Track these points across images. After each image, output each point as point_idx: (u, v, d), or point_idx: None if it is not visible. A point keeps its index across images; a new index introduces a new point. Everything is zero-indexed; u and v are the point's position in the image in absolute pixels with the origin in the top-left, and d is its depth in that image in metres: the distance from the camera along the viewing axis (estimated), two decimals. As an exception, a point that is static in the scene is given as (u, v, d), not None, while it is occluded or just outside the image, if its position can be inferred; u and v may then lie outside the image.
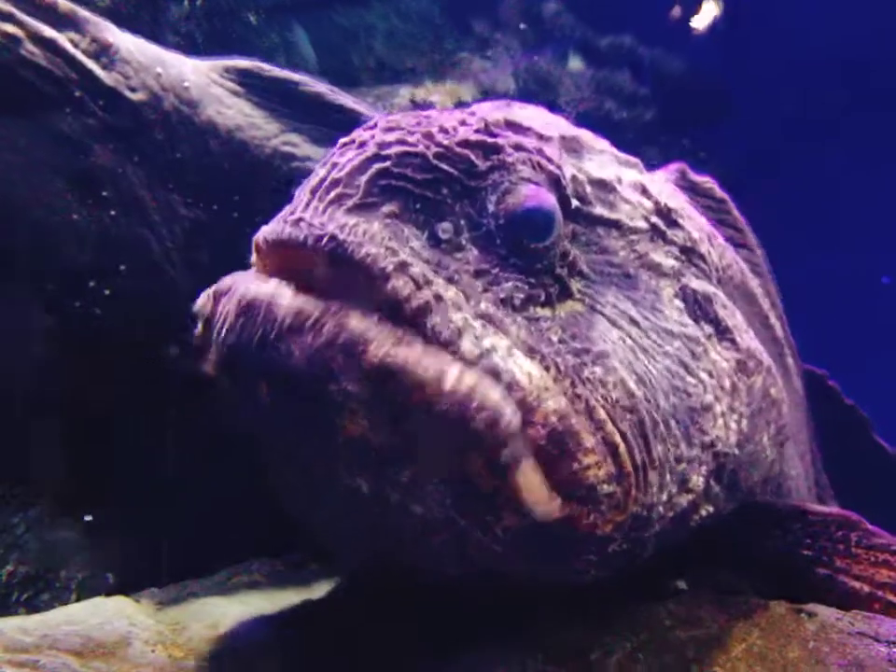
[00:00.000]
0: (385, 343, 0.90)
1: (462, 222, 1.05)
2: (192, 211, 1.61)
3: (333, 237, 0.96)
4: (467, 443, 0.92)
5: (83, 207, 1.48)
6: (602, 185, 1.22)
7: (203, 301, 1.08)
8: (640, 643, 1.15)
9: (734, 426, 1.23)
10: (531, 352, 1.00)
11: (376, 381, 0.89)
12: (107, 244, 1.52)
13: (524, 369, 0.97)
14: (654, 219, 1.27)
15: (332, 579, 1.45)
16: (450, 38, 5.07)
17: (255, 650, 1.18)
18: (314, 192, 1.04)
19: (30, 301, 1.48)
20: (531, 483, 0.94)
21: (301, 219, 1.00)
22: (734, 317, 1.32)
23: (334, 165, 1.06)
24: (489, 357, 0.95)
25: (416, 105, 3.62)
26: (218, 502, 1.56)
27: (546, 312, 1.06)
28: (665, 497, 1.11)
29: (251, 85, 1.68)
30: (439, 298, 0.96)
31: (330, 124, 1.74)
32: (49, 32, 1.43)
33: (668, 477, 1.11)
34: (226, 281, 1.05)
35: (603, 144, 1.33)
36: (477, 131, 1.09)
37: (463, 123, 1.10)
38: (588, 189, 1.19)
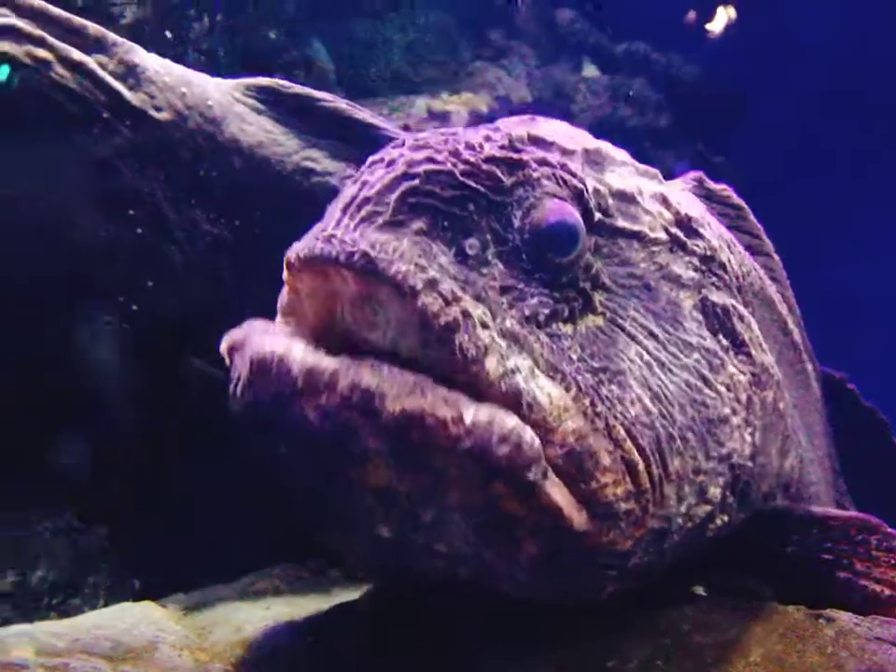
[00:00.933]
0: (400, 395, 0.90)
1: (488, 237, 1.06)
2: (215, 227, 1.64)
3: (365, 254, 0.97)
4: (491, 473, 0.93)
5: (111, 225, 1.52)
6: (623, 196, 1.23)
7: (224, 346, 1.08)
8: (658, 649, 1.15)
9: (748, 438, 1.23)
10: (553, 371, 1.01)
11: (396, 433, 0.90)
12: (134, 260, 1.56)
13: (545, 390, 0.98)
14: (674, 230, 1.28)
15: (352, 585, 1.47)
16: (466, 49, 5.11)
17: (277, 655, 1.20)
18: (345, 210, 1.06)
19: (64, 317, 1.52)
20: (559, 495, 0.96)
21: (332, 236, 1.01)
22: (750, 330, 1.33)
23: (364, 184, 1.08)
24: (512, 378, 0.96)
25: (433, 116, 3.65)
26: (241, 510, 1.59)
27: (568, 328, 1.08)
28: (683, 509, 1.12)
29: (272, 102, 1.71)
30: (466, 315, 0.97)
31: (349, 139, 1.77)
32: (78, 55, 1.47)
33: (686, 489, 1.12)
34: (239, 332, 1.05)
35: (624, 155, 1.34)
36: (502, 147, 1.11)
37: (488, 140, 1.12)
38: (610, 201, 1.20)
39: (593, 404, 1.02)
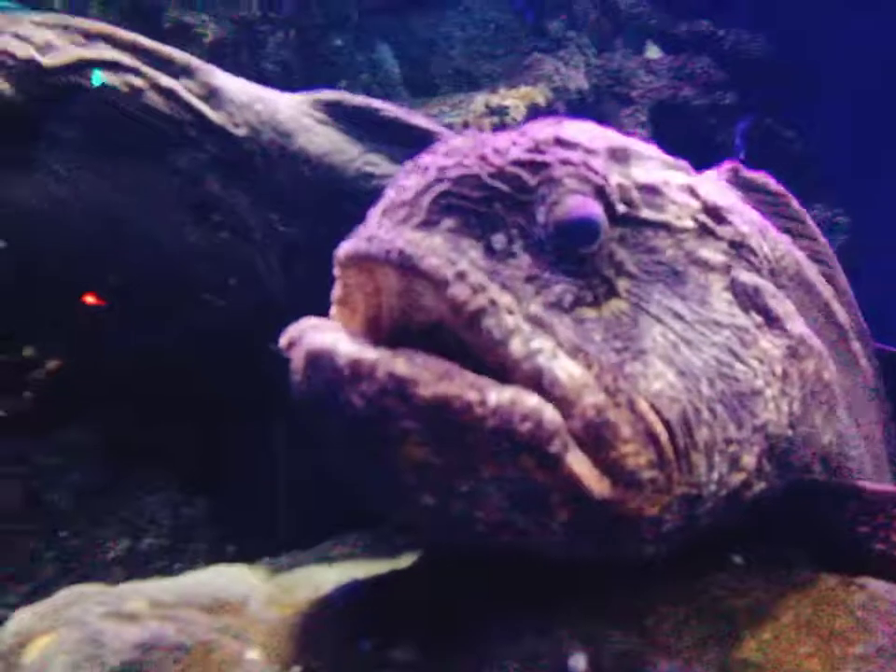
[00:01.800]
0: (430, 381, 0.98)
1: (514, 232, 1.12)
2: (288, 229, 1.77)
3: (401, 251, 1.05)
4: (517, 447, 1.00)
5: (199, 230, 1.67)
6: (649, 189, 1.25)
7: (284, 340, 1.16)
8: (693, 611, 1.19)
9: (785, 408, 1.25)
10: (575, 351, 1.06)
11: (428, 414, 0.98)
12: (219, 261, 1.70)
13: (566, 368, 1.04)
14: (702, 218, 1.30)
15: (415, 551, 1.56)
16: (524, 41, 5.11)
17: (348, 608, 1.30)
18: (384, 213, 1.15)
19: (161, 313, 1.67)
20: (580, 465, 1.02)
21: (374, 236, 1.10)
22: (784, 306, 1.34)
23: (401, 188, 1.16)
24: (535, 358, 1.02)
25: (491, 111, 3.70)
26: (319, 483, 1.72)
27: (592, 312, 1.12)
28: (715, 476, 1.15)
29: (336, 114, 1.83)
30: (493, 302, 1.04)
31: (406, 143, 1.87)
32: (167, 81, 1.62)
33: (717, 458, 1.15)
34: (295, 327, 1.14)
35: (651, 150, 1.36)
36: (527, 150, 1.16)
37: (514, 144, 1.17)
38: (635, 193, 1.23)
39: (615, 380, 1.06)
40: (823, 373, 1.35)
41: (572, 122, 1.34)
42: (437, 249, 1.06)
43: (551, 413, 1.00)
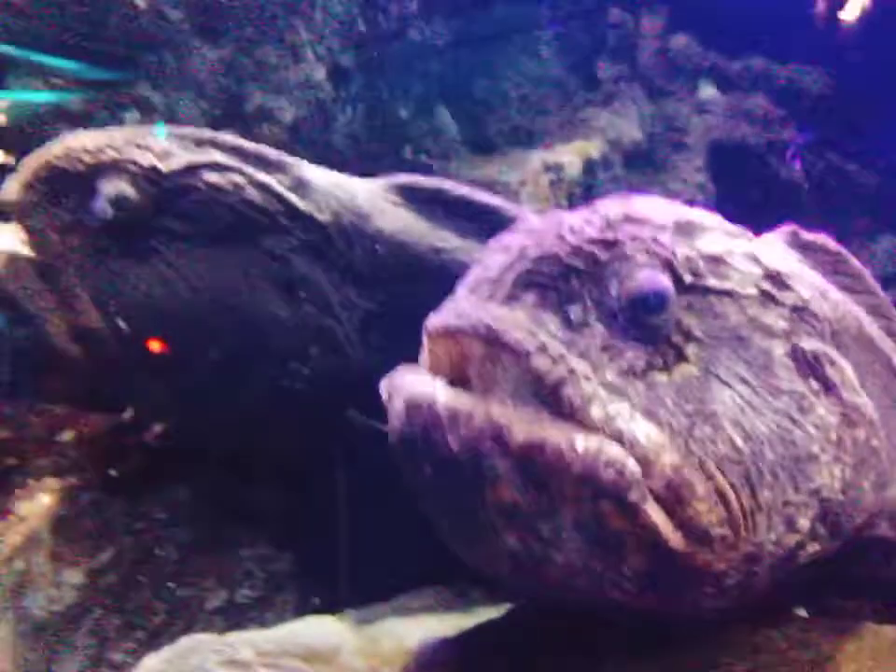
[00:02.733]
0: (523, 426, 1.07)
1: (589, 304, 1.20)
2: (364, 302, 1.93)
3: (488, 326, 1.14)
4: (598, 493, 1.07)
5: (287, 306, 1.84)
6: (713, 259, 1.32)
7: (384, 387, 1.26)
8: (757, 663, 1.24)
9: (838, 474, 1.29)
10: (649, 415, 1.13)
11: (519, 457, 1.07)
12: (304, 333, 1.87)
13: (643, 430, 1.11)
14: (764, 285, 1.35)
15: (490, 603, 1.66)
16: (578, 95, 5.25)
17: (434, 663, 1.41)
18: (471, 289, 1.24)
19: (254, 381, 1.84)
20: (658, 515, 1.09)
21: (462, 312, 1.19)
22: (842, 374, 1.38)
23: (486, 267, 1.26)
24: (614, 421, 1.10)
25: (548, 168, 3.84)
26: (397, 540, 1.83)
27: (663, 377, 1.19)
28: (773, 537, 1.20)
29: (409, 196, 1.99)
30: (572, 371, 1.12)
31: (472, 218, 2.02)
32: (263, 177, 1.82)
33: (776, 519, 1.20)
34: (395, 378, 1.23)
35: (715, 221, 1.43)
36: (600, 228, 1.25)
37: (588, 223, 1.27)
38: (701, 264, 1.29)
39: (686, 442, 1.13)
40: (872, 441, 1.38)
41: (641, 198, 1.41)
42: (520, 323, 1.15)
43: (633, 464, 1.08)
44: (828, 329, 1.43)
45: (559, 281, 1.21)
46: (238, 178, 1.80)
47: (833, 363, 1.37)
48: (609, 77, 5.56)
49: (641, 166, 5.10)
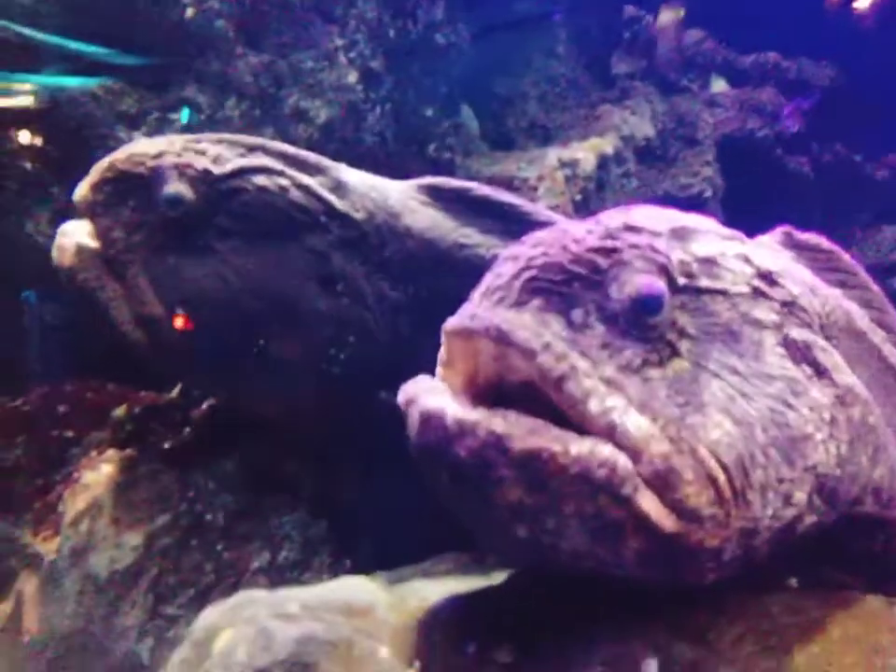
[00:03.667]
0: (523, 437, 1.16)
1: (591, 307, 1.28)
2: (395, 294, 2.03)
3: (498, 327, 1.23)
4: (595, 490, 1.16)
5: (326, 298, 1.95)
6: (706, 261, 1.39)
7: (401, 397, 1.36)
8: (751, 626, 1.32)
9: (833, 450, 1.36)
10: (643, 407, 1.22)
11: (521, 463, 1.16)
12: (341, 323, 1.97)
13: (636, 422, 1.20)
14: (756, 282, 1.42)
15: (504, 569, 1.71)
16: (593, 92, 5.29)
17: (452, 616, 1.47)
18: (483, 295, 1.34)
19: (297, 367, 1.95)
20: (649, 503, 1.18)
21: (475, 315, 1.28)
22: (832, 359, 1.45)
23: (497, 274, 1.35)
24: (609, 414, 1.19)
25: (563, 164, 3.91)
26: (422, 510, 1.94)
27: (657, 372, 1.27)
28: (770, 511, 1.28)
29: (436, 195, 2.09)
30: (573, 368, 1.20)
31: (494, 216, 2.11)
32: (305, 179, 1.94)
33: (771, 495, 1.28)
34: (411, 389, 1.33)
35: (709, 225, 1.51)
36: (600, 237, 1.33)
37: (590, 232, 1.35)
38: (695, 266, 1.37)
39: (678, 431, 1.21)
40: (868, 418, 1.45)
41: (640, 208, 1.49)
42: (526, 325, 1.23)
43: (623, 461, 1.17)
44: (817, 322, 1.50)
45: (563, 286, 1.29)
46: (283, 181, 1.90)
47: (823, 349, 1.44)
48: (624, 73, 5.58)
49: (653, 161, 5.14)
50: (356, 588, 1.64)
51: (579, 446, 1.17)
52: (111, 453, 2.04)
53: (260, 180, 1.90)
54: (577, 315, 1.28)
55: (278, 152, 1.95)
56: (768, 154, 6.22)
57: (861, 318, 1.81)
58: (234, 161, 1.90)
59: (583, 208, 3.97)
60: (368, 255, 1.99)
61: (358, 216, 1.98)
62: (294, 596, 1.47)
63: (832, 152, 6.54)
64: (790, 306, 1.44)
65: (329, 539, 2.04)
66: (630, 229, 1.36)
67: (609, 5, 5.67)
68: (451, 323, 1.32)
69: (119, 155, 1.91)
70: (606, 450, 1.17)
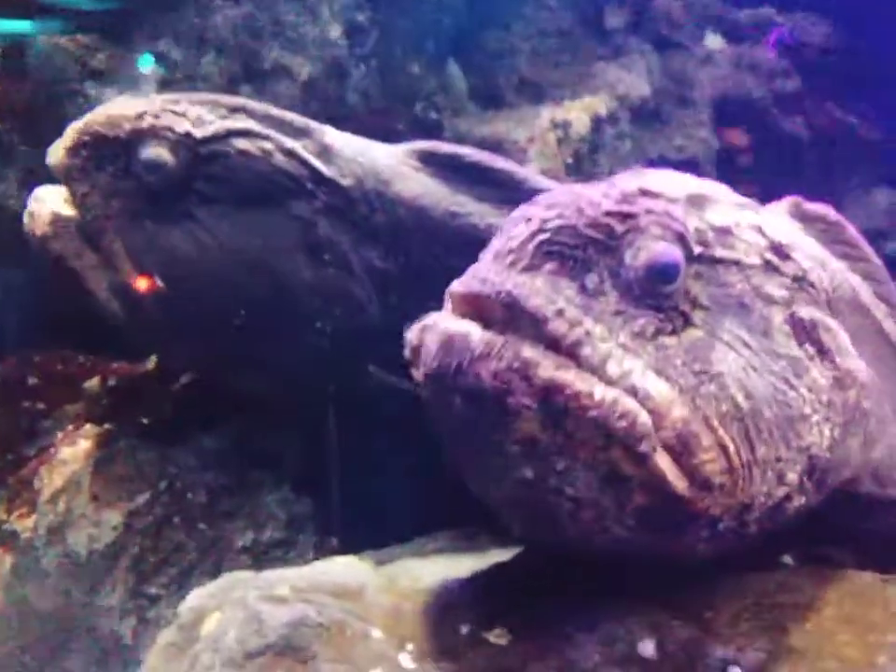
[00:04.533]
0: (549, 367, 1.17)
1: (605, 273, 1.28)
2: (384, 264, 2.01)
3: (509, 292, 1.23)
4: (611, 439, 1.18)
5: (312, 268, 1.93)
6: (722, 230, 1.40)
7: (413, 334, 1.34)
8: (746, 605, 1.36)
9: (827, 433, 1.39)
10: (660, 373, 1.24)
11: (543, 395, 1.16)
12: (328, 294, 1.96)
13: (655, 386, 1.22)
14: (768, 255, 1.43)
15: (499, 547, 1.76)
16: (587, 49, 5.21)
17: (447, 598, 1.49)
18: (495, 257, 1.32)
19: (281, 338, 1.93)
20: (666, 464, 1.20)
21: (486, 278, 1.27)
22: (836, 340, 1.47)
23: (509, 236, 1.33)
24: (628, 377, 1.20)
25: (556, 125, 3.87)
26: (413, 485, 1.96)
27: (672, 340, 1.28)
28: (765, 489, 1.31)
29: (427, 161, 2.05)
30: (588, 333, 1.21)
31: (488, 183, 2.08)
32: (290, 143, 1.90)
33: (769, 473, 1.31)
34: (429, 319, 1.31)
35: (724, 192, 1.52)
36: (616, 201, 1.33)
37: (605, 196, 1.34)
38: (710, 235, 1.38)
39: (693, 399, 1.23)
40: (863, 402, 1.48)
41: (655, 172, 1.50)
42: (539, 290, 1.23)
43: (645, 417, 1.18)
44: (824, 298, 1.52)
45: (577, 251, 1.29)
46: (267, 144, 1.87)
47: (828, 329, 1.47)
48: (618, 27, 5.50)
49: (648, 121, 5.10)
50: (345, 568, 1.66)
51: (604, 392, 1.18)
52: (88, 428, 2.03)
53: (243, 144, 1.86)
54: (591, 280, 1.28)
55: (262, 114, 1.91)
56: (764, 115, 6.21)
57: (865, 293, 1.84)
58: (216, 124, 1.87)
59: (576, 171, 3.95)
60: (356, 223, 1.97)
61: (346, 182, 1.95)
62: (283, 578, 1.49)
63: (826, 114, 6.55)
64: (799, 281, 1.46)
65: (314, 517, 2.06)
66: (647, 193, 1.36)
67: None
68: (458, 285, 1.30)
69: (96, 116, 1.86)
70: (630, 402, 1.19)
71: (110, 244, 1.82)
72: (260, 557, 1.96)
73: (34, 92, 2.49)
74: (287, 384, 2.02)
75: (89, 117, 1.88)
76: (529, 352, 1.18)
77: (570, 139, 3.95)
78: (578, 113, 4.07)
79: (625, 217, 1.31)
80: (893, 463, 1.67)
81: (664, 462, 1.21)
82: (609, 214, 1.31)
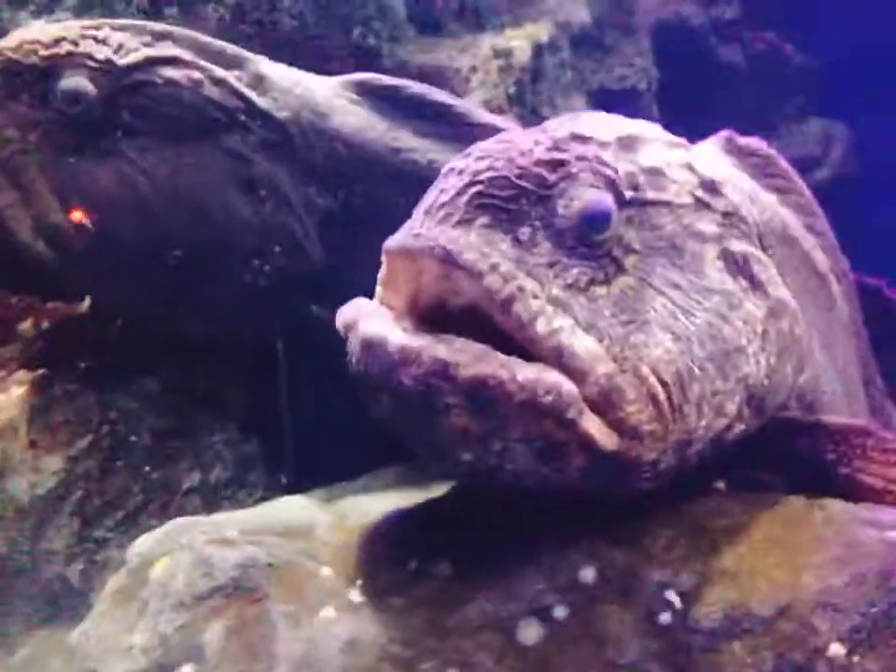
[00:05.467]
0: (469, 364, 1.16)
1: (538, 224, 1.28)
2: (324, 201, 1.95)
3: (443, 248, 1.22)
4: (541, 415, 1.19)
5: (247, 205, 1.85)
6: (653, 171, 1.40)
7: (340, 319, 1.34)
8: (682, 531, 1.40)
9: (763, 362, 1.43)
10: (589, 327, 1.25)
11: (468, 390, 1.17)
12: (265, 231, 1.88)
13: (582, 343, 1.23)
14: (699, 193, 1.44)
15: (447, 481, 1.76)
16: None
17: (393, 530, 1.52)
18: (427, 212, 1.31)
19: (217, 278, 1.86)
20: (592, 425, 1.23)
21: (419, 234, 1.27)
22: (768, 271, 1.50)
23: (441, 190, 1.32)
24: (556, 336, 1.21)
25: (497, 54, 3.76)
26: (361, 423, 1.94)
27: (603, 290, 1.29)
28: (703, 423, 1.35)
29: (366, 94, 1.97)
30: (521, 289, 1.21)
31: (429, 118, 2.03)
32: (221, 73, 1.80)
33: (705, 408, 1.34)
34: (352, 311, 1.32)
35: (655, 132, 1.51)
36: (547, 149, 1.32)
37: (537, 143, 1.33)
38: (641, 178, 1.38)
39: (622, 350, 1.25)
40: (795, 329, 1.52)
41: (586, 116, 1.49)
42: (473, 245, 1.23)
43: (568, 386, 1.20)
44: (755, 232, 1.54)
45: (510, 203, 1.27)
46: (196, 74, 1.76)
47: (759, 262, 1.49)
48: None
49: (589, 50, 5.00)
50: (294, 508, 1.66)
51: (525, 373, 1.18)
52: (22, 373, 1.94)
53: (170, 73, 1.75)
54: (524, 232, 1.27)
55: (190, 41, 1.79)
56: (702, 43, 6.17)
57: (795, 225, 1.88)
58: (140, 51, 1.74)
59: (518, 101, 3.86)
60: (293, 158, 1.89)
61: (282, 115, 1.86)
62: (231, 521, 1.48)
63: (764, 41, 6.55)
64: (730, 217, 1.47)
65: (262, 457, 2.04)
66: (577, 138, 1.35)
67: None
68: (392, 242, 1.29)
69: (8, 42, 1.72)
70: (552, 376, 1.19)
71: (32, 181, 1.70)
72: (209, 498, 1.93)
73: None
74: (227, 325, 1.96)
75: (1, 43, 1.73)
76: (446, 353, 1.17)
77: (513, 68, 3.85)
78: (519, 41, 3.96)
79: (557, 164, 1.30)
80: (817, 387, 1.75)
81: (590, 424, 1.22)
82: (540, 162, 1.29)
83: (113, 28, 1.76)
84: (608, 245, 1.30)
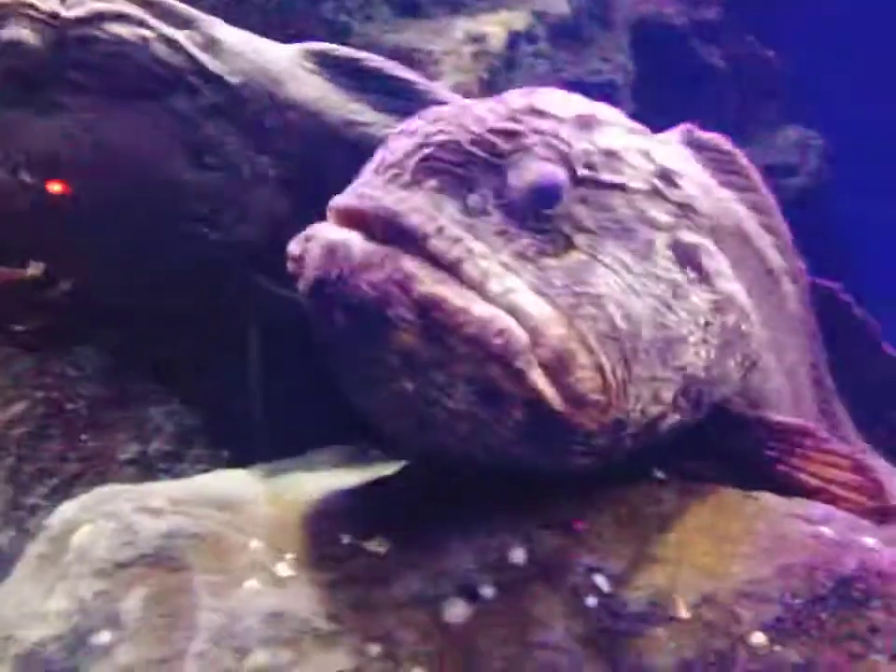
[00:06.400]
0: (429, 282, 1.15)
1: (488, 193, 1.27)
2: (277, 170, 1.90)
3: (388, 208, 1.20)
4: (488, 355, 1.18)
5: (195, 170, 1.80)
6: (610, 154, 1.39)
7: (295, 244, 1.31)
8: (614, 516, 1.41)
9: (703, 354, 1.43)
10: (539, 293, 1.24)
11: (422, 308, 1.15)
12: (212, 198, 1.84)
13: (534, 304, 1.22)
14: (654, 180, 1.44)
15: (387, 462, 1.73)
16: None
17: (331, 508, 1.50)
18: (375, 171, 1.29)
19: (161, 245, 1.82)
20: (541, 381, 1.21)
21: (364, 193, 1.25)
22: (717, 265, 1.50)
23: (391, 150, 1.30)
24: (508, 295, 1.20)
25: (472, 39, 3.74)
26: (304, 398, 1.92)
27: (553, 262, 1.28)
28: (639, 407, 1.35)
29: (324, 64, 1.93)
30: (469, 251, 1.20)
31: (388, 92, 1.99)
32: (171, 32, 1.74)
33: (644, 392, 1.34)
34: (312, 229, 1.29)
35: (616, 116, 1.50)
36: (503, 118, 1.30)
37: (492, 112, 1.31)
38: (597, 158, 1.37)
39: (572, 319, 1.24)
40: (742, 325, 1.52)
41: (546, 91, 1.46)
42: (420, 206, 1.21)
43: (521, 334, 1.19)
44: (708, 225, 1.54)
45: (461, 168, 1.26)
46: (145, 32, 1.70)
47: (709, 255, 1.49)
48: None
49: (566, 42, 4.99)
50: (230, 481, 1.63)
51: (482, 309, 1.17)
52: (-46, 336, 1.89)
53: (117, 28, 1.69)
54: (474, 199, 1.26)
55: (141, -2, 1.74)
56: (682, 41, 6.19)
57: (749, 222, 1.88)
58: (87, 5, 1.68)
59: (491, 88, 3.84)
60: (244, 125, 1.84)
61: (234, 80, 1.81)
62: (160, 490, 1.45)
63: (744, 45, 6.58)
64: (684, 208, 1.47)
65: (204, 430, 2.00)
66: (535, 112, 1.33)
67: None
68: (338, 200, 1.27)
69: None
70: (507, 320, 1.18)
71: (-31, 134, 1.65)
72: (147, 470, 1.90)
73: None
74: (171, 293, 1.91)
75: None
76: (410, 265, 1.16)
77: (486, 54, 3.83)
78: (494, 28, 3.94)
79: (511, 135, 1.28)
80: (765, 385, 1.75)
81: (540, 379, 1.21)
82: (494, 131, 1.28)
83: None
84: (558, 221, 1.29)
